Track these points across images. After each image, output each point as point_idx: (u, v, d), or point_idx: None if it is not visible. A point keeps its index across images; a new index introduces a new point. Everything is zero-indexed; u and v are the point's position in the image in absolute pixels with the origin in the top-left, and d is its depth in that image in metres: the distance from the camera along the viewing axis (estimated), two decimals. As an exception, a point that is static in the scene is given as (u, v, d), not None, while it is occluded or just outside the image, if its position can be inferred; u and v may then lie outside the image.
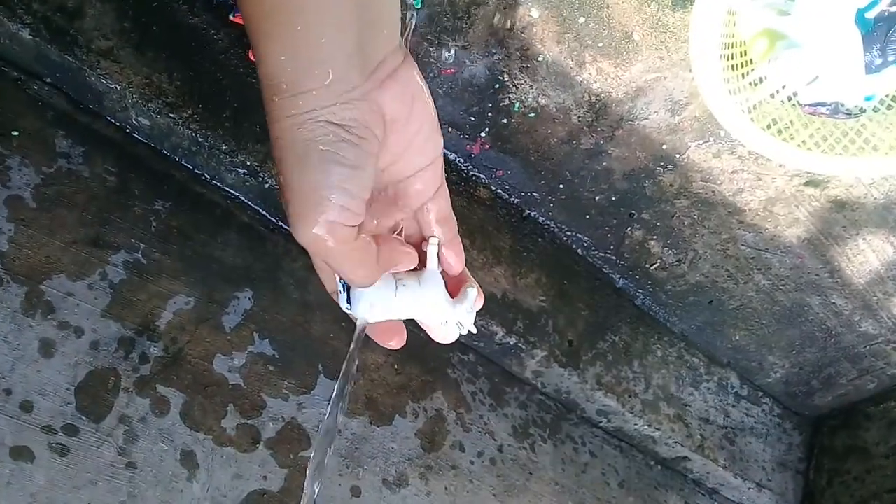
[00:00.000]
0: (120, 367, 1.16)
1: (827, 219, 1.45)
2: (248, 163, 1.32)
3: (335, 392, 0.56)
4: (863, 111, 1.17)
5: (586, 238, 1.63)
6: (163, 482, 1.12)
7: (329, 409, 0.57)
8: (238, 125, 1.32)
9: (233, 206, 1.39)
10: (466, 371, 1.58)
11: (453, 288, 0.56)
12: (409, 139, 0.46)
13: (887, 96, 1.16)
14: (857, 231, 1.45)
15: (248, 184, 1.35)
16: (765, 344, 1.78)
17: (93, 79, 1.25)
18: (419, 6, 1.21)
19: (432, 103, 0.47)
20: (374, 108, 0.42)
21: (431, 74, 1.38)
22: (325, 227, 0.41)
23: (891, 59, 1.04)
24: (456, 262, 0.56)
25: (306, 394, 1.33)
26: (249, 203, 1.40)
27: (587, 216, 1.58)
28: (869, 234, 1.46)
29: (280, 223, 1.42)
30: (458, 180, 1.54)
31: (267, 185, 1.33)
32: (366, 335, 0.57)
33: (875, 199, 1.38)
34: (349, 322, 1.41)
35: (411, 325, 1.52)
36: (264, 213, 1.41)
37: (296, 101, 0.39)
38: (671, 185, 1.47)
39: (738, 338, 1.78)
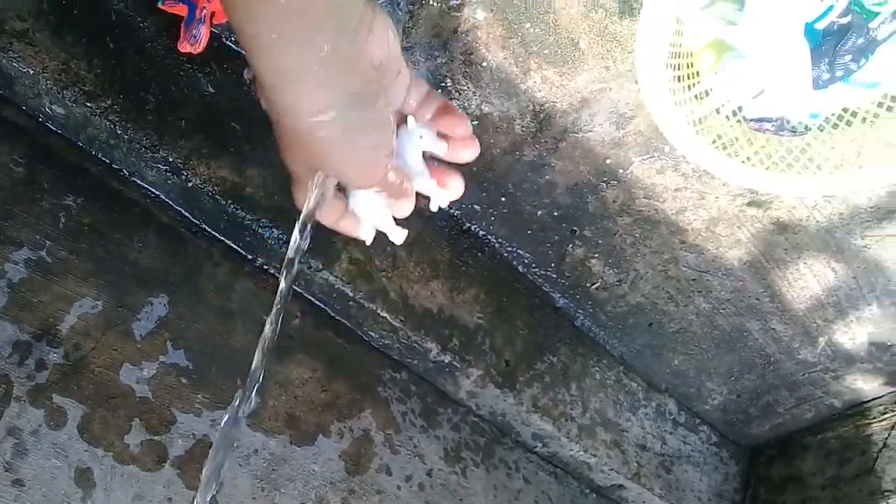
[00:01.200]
0: (13, 373, 1.05)
1: (769, 241, 1.43)
2: (171, 159, 1.23)
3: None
4: (808, 129, 1.15)
5: (527, 254, 1.58)
6: (53, 502, 1.01)
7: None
8: (162, 119, 1.24)
9: (152, 206, 1.29)
10: (398, 389, 1.50)
11: None
12: (392, 78, 0.53)
13: (833, 115, 1.14)
14: (798, 255, 1.44)
15: (170, 182, 1.26)
16: (704, 369, 1.75)
17: (3, 62, 1.16)
18: None
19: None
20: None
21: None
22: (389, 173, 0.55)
23: (839, 73, 1.02)
24: (456, 122, 0.60)
25: (222, 409, 1.24)
26: (171, 203, 1.31)
27: (528, 231, 1.53)
28: (810, 259, 1.44)
29: (204, 225, 1.33)
30: (395, 189, 1.47)
31: (190, 185, 1.25)
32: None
33: (817, 221, 1.37)
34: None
35: (342, 339, 1.39)
36: (187, 214, 1.32)
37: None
38: (614, 201, 1.43)
39: (677, 362, 1.75)
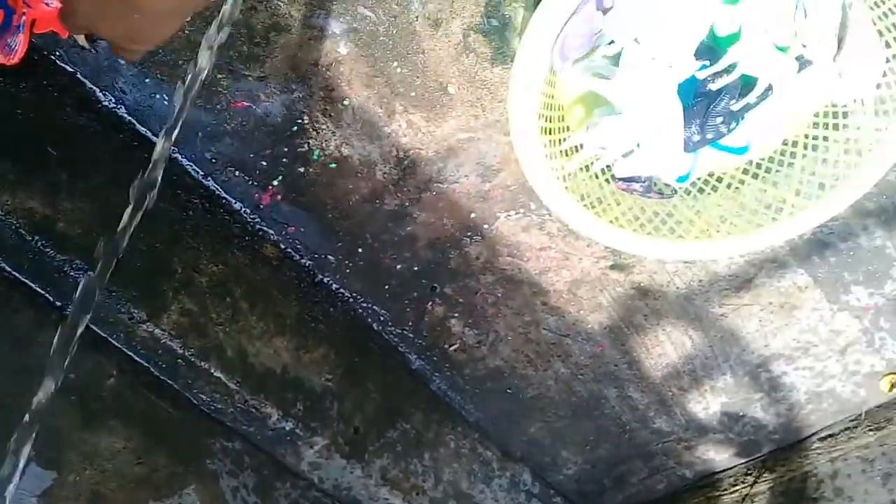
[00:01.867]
0: None
1: (629, 306, 1.41)
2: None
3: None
4: (675, 192, 1.14)
5: (383, 311, 1.47)
6: None
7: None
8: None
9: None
10: (229, 461, 1.33)
11: None
12: None
13: (699, 179, 1.13)
14: (657, 321, 1.42)
15: (-41, 207, 1.06)
16: (560, 437, 1.69)
17: None
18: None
19: None
20: None
21: (219, 106, 1.18)
22: None
23: (709, 136, 1.01)
24: None
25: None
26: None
27: (386, 287, 1.42)
28: (669, 326, 1.43)
29: (3, 264, 1.12)
30: (241, 233, 1.33)
31: (-14, 212, 1.05)
32: None
33: (677, 288, 1.36)
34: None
35: (166, 403, 1.17)
36: (-20, 247, 1.10)
37: None
38: (477, 258, 1.36)
39: (533, 430, 1.68)
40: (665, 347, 1.47)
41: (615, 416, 1.62)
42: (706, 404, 1.56)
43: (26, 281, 1.15)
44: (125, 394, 1.21)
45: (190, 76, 0.62)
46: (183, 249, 1.26)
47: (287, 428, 1.33)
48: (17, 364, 1.09)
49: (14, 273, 1.14)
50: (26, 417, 0.44)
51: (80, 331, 0.47)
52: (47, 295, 1.16)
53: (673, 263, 1.33)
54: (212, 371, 1.25)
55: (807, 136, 1.07)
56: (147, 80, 1.16)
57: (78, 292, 0.47)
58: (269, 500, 1.34)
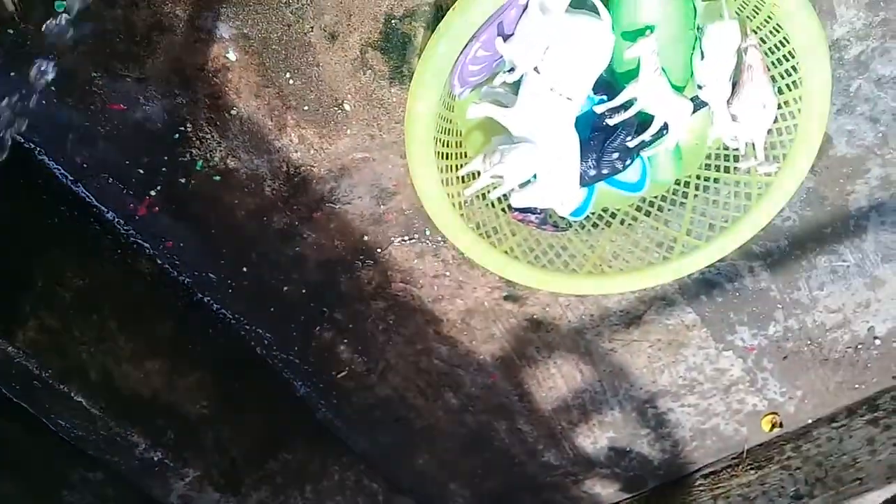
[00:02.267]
0: None
1: (522, 338, 1.39)
2: None
3: None
4: (570, 226, 1.12)
5: (268, 335, 1.39)
6: None
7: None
8: None
9: None
10: (90, 494, 1.22)
11: None
12: None
13: (593, 213, 1.12)
14: (549, 354, 1.41)
15: None
16: (448, 469, 1.65)
17: None
18: (62, 9, 0.93)
19: None
20: None
21: (93, 107, 1.09)
22: None
23: (605, 171, 1.00)
24: None
25: None
26: None
27: (272, 308, 1.35)
28: (560, 359, 1.42)
29: None
30: (113, 245, 1.23)
31: None
32: None
33: (570, 321, 1.35)
34: None
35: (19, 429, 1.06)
36: None
37: None
38: (369, 282, 1.31)
39: (421, 461, 1.63)
40: (556, 381, 1.45)
41: (505, 448, 1.60)
42: (594, 438, 1.56)
43: None
44: (-35, 419, 1.09)
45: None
46: (46, 260, 1.16)
47: (156, 458, 1.25)
48: None
49: None
50: None
51: None
52: None
53: (566, 297, 1.32)
54: (72, 394, 1.16)
55: (699, 178, 1.09)
56: None
57: None
58: (129, 539, 1.24)
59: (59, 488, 1.19)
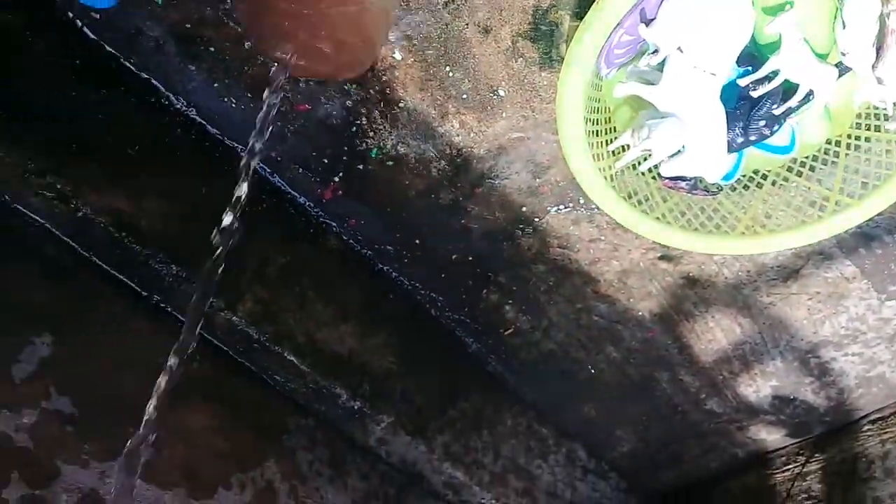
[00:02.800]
0: None
1: (679, 294, 1.45)
2: (59, 186, 1.14)
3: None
4: (721, 189, 1.17)
5: (440, 298, 1.55)
6: None
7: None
8: (50, 142, 1.15)
9: (36, 236, 1.19)
10: (304, 438, 1.43)
11: None
12: None
13: (744, 176, 1.16)
14: (706, 309, 1.45)
15: (57, 210, 1.17)
16: (613, 417, 1.75)
17: None
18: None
19: None
20: None
21: (283, 109, 1.27)
22: None
23: (752, 138, 1.03)
24: None
25: (111, 461, 1.14)
26: (58, 233, 1.21)
27: (443, 275, 1.50)
28: (718, 313, 1.46)
29: (95, 259, 1.24)
30: (306, 227, 1.42)
31: (80, 214, 1.16)
32: None
33: (726, 278, 1.39)
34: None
35: (245, 384, 1.28)
36: (75, 245, 1.22)
37: None
38: (529, 249, 1.42)
39: (587, 410, 1.74)
40: (715, 333, 1.50)
41: (667, 397, 1.67)
42: (757, 387, 1.59)
43: (116, 274, 1.27)
44: (209, 376, 1.32)
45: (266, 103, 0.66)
46: (255, 243, 1.36)
47: (355, 407, 1.42)
48: (112, 349, 1.21)
49: (105, 267, 1.26)
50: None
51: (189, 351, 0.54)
52: (135, 287, 1.28)
53: (720, 255, 1.36)
54: (284, 354, 1.35)
55: (850, 136, 1.08)
56: (215, 86, 1.25)
57: (186, 322, 0.54)
58: (341, 473, 1.45)
59: (280, 433, 1.41)
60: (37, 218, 1.19)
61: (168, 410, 1.28)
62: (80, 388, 1.15)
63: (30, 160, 1.12)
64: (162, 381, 0.48)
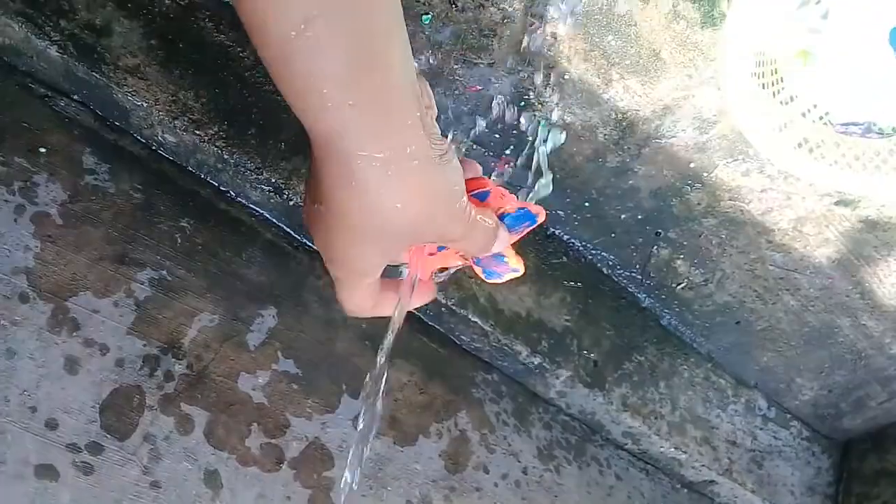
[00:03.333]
0: (145, 384, 1.16)
1: (858, 239, 1.43)
2: (273, 180, 1.32)
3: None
4: (895, 131, 1.15)
5: (612, 257, 1.61)
6: (186, 502, 1.11)
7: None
8: (263, 142, 1.33)
9: (257, 224, 1.39)
10: (490, 391, 1.56)
11: None
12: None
13: (923, 115, 1.14)
14: (888, 252, 1.43)
15: (272, 201, 1.35)
16: (793, 366, 1.75)
17: (119, 96, 1.26)
18: (427, 22, 1.20)
19: None
20: None
21: (456, 92, 1.37)
22: None
23: (928, 77, 1.02)
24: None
25: (330, 413, 1.32)
26: (274, 220, 1.40)
27: (613, 234, 1.56)
28: (902, 255, 1.43)
29: (304, 240, 1.42)
30: (482, 198, 1.53)
31: (291, 203, 1.33)
32: None
33: (908, 218, 1.36)
34: (373, 340, 1.40)
35: (436, 344, 1.46)
36: (289, 230, 1.40)
37: None
38: (698, 203, 1.45)
39: (765, 359, 1.75)
40: (899, 276, 1.47)
41: (849, 343, 1.65)
42: (949, 330, 1.54)
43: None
44: (404, 338, 1.47)
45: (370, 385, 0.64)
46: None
47: (535, 362, 1.53)
48: (325, 317, 1.38)
49: (314, 247, 1.43)
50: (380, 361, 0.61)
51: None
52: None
53: (902, 196, 1.33)
54: (469, 316, 1.47)
55: None
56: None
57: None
58: (525, 423, 1.57)
59: (469, 387, 1.54)
60: (257, 209, 1.38)
61: (371, 369, 1.45)
62: (301, 352, 1.33)
63: (248, 160, 1.30)
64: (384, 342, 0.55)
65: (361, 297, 0.51)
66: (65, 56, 1.20)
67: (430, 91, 0.47)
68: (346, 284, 0.50)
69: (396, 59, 0.39)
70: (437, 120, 0.44)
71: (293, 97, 0.40)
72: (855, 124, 1.14)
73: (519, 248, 0.64)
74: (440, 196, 0.44)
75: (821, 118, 1.17)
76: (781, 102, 1.14)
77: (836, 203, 1.37)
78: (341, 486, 1.18)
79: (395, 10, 0.39)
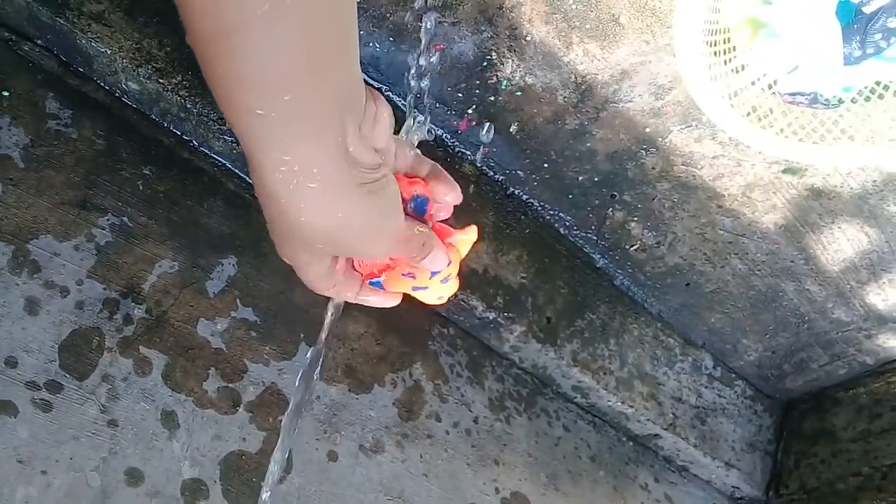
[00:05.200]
0: (104, 327, 1.18)
1: (803, 206, 1.48)
2: (236, 131, 1.33)
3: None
4: (841, 102, 1.19)
5: (568, 217, 1.66)
6: (143, 440, 1.15)
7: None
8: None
9: (219, 174, 1.40)
10: (446, 344, 1.61)
11: None
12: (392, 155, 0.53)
13: (865, 88, 1.18)
14: (832, 220, 1.48)
15: (235, 151, 1.37)
16: (739, 327, 1.82)
17: (83, 42, 1.26)
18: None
19: None
20: None
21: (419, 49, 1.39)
22: None
23: (870, 51, 1.06)
24: (446, 189, 0.58)
25: (287, 360, 1.36)
26: (236, 171, 1.41)
27: (570, 196, 1.60)
28: (844, 223, 1.49)
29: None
30: (444, 156, 1.56)
31: (254, 154, 1.35)
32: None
33: (851, 188, 1.41)
34: (332, 291, 1.44)
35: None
36: (251, 181, 1.42)
37: None
38: (653, 168, 1.49)
39: (713, 320, 1.82)
40: (841, 244, 1.53)
41: (794, 307, 1.72)
42: (885, 296, 1.61)
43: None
44: (363, 291, 1.50)
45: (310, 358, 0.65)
46: (398, 172, 1.51)
47: (490, 318, 1.58)
48: (284, 269, 1.41)
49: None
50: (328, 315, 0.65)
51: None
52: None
53: (845, 166, 1.38)
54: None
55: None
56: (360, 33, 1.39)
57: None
58: (479, 375, 1.62)
59: (425, 340, 1.58)
60: (220, 159, 1.40)
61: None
62: (260, 301, 1.37)
63: (212, 109, 1.32)
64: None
65: (315, 277, 0.52)
66: (29, 0, 1.20)
67: (388, 118, 0.46)
68: (295, 266, 0.51)
69: (323, 86, 0.39)
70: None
71: (217, 98, 0.39)
72: (801, 94, 1.18)
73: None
74: (354, 222, 0.45)
75: (769, 87, 1.21)
76: (733, 70, 1.18)
77: (784, 171, 1.42)
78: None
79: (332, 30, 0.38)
